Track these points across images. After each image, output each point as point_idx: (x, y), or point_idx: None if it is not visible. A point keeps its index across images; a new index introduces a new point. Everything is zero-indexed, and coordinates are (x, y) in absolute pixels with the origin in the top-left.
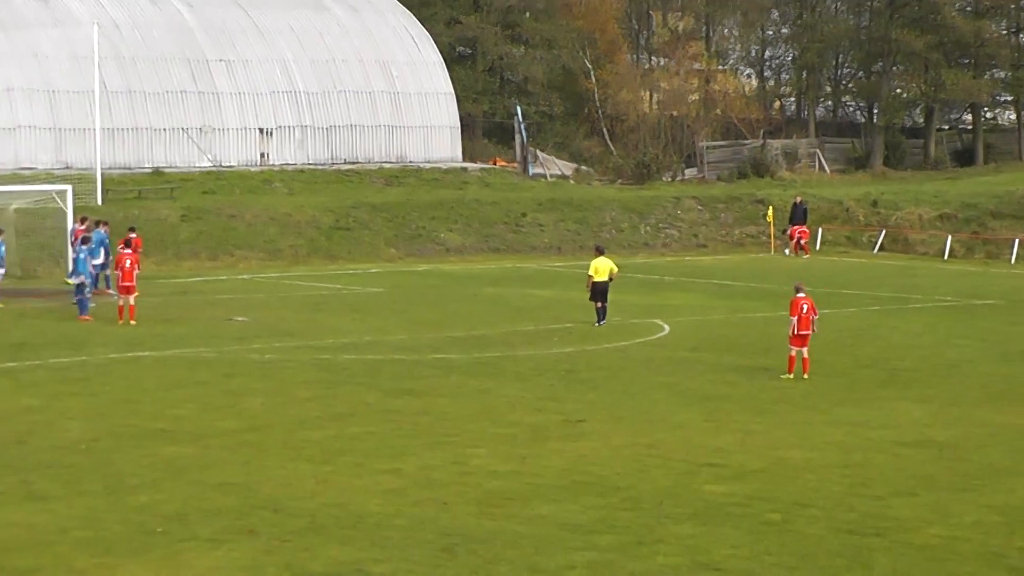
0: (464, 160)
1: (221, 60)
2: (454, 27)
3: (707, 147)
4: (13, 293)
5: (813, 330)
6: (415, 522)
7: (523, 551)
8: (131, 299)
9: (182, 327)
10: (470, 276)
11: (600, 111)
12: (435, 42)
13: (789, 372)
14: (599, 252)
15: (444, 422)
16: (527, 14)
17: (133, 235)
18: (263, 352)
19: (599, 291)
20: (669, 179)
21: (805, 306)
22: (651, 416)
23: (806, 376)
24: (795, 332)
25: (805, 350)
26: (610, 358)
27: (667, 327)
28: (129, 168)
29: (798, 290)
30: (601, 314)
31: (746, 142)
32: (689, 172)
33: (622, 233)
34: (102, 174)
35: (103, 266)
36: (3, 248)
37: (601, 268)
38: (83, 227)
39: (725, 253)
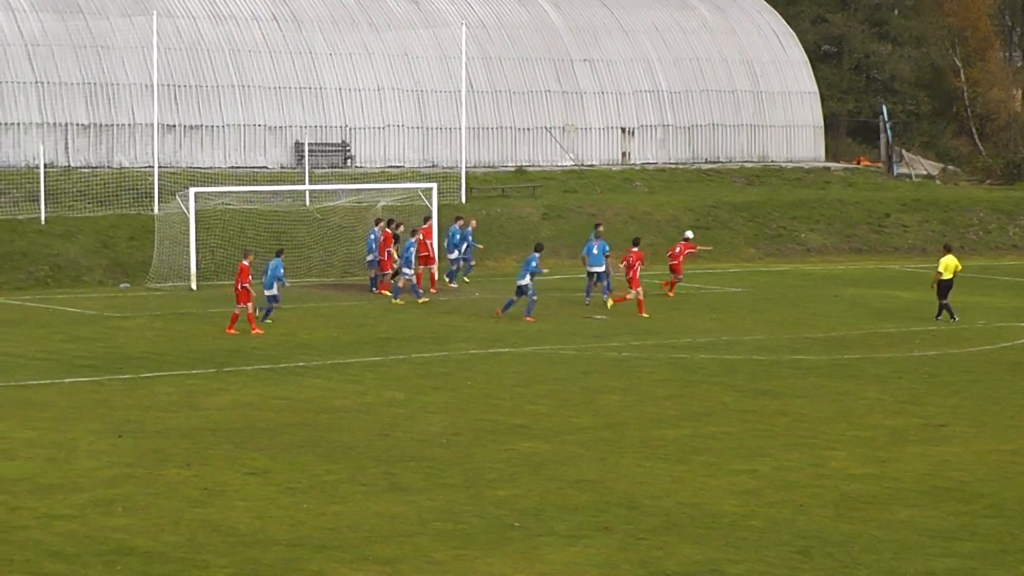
0: (827, 159)
1: (585, 60)
2: (820, 25)
3: None
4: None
5: None
6: (771, 523)
7: (881, 556)
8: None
9: (541, 324)
10: (831, 277)
11: (969, 110)
12: (800, 40)
13: None
14: (948, 250)
15: (801, 423)
16: (895, 11)
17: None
18: (620, 350)
19: (945, 288)
20: None
21: None
22: (1017, 422)
23: None
24: None
25: None
26: (974, 362)
27: None
28: (493, 166)
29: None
30: (940, 310)
31: None
32: None
33: (989, 235)
34: (466, 172)
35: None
36: (412, 249)
37: (950, 266)
38: (394, 228)
39: None
